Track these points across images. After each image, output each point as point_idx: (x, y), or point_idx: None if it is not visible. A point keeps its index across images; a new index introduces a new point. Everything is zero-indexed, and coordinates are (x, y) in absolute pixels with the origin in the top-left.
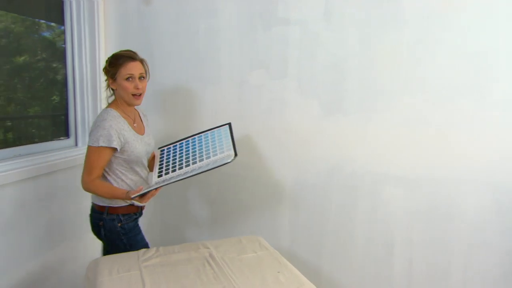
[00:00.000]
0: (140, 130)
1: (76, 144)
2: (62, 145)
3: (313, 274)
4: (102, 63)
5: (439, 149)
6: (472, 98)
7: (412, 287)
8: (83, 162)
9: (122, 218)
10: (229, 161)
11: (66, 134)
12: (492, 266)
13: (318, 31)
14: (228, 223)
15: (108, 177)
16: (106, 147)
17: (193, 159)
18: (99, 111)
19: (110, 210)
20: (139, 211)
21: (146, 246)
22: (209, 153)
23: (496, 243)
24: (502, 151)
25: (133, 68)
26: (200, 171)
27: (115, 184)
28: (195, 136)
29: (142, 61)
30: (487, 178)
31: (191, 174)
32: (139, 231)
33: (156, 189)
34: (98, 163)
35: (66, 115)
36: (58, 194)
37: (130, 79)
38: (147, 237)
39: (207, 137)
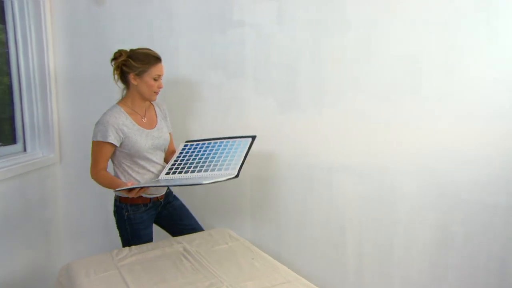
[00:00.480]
0: (149, 125)
1: (25, 150)
2: (8, 151)
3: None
4: (52, 65)
5: (381, 140)
6: (407, 94)
7: (362, 266)
8: (33, 168)
9: (129, 208)
10: (223, 179)
11: (13, 140)
12: (428, 242)
13: (272, 33)
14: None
15: (116, 170)
16: (103, 141)
17: (200, 166)
18: (50, 114)
19: (121, 199)
20: (149, 203)
21: (147, 241)
22: (216, 165)
23: (431, 222)
24: (435, 140)
25: (162, 69)
26: (198, 182)
27: (121, 177)
28: (219, 141)
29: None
30: (423, 165)
31: (191, 182)
32: (146, 227)
33: (145, 187)
34: (101, 156)
35: (13, 119)
36: (11, 202)
37: (157, 79)
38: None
39: (226, 146)
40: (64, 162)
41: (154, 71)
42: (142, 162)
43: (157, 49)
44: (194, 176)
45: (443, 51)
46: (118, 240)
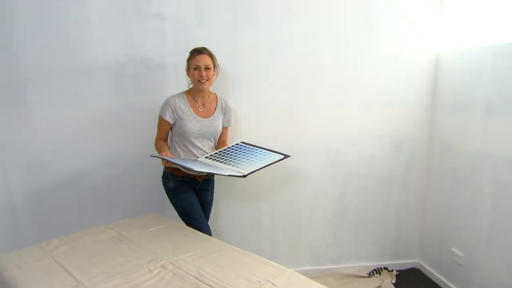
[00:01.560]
0: (204, 114)
1: None
2: None
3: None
4: None
5: (291, 124)
6: (311, 85)
7: (276, 224)
8: None
9: (169, 176)
10: (234, 174)
11: None
12: (328, 208)
13: (191, 28)
14: (116, 208)
15: (169, 143)
16: (161, 117)
17: (230, 161)
18: None
19: (165, 168)
20: (186, 177)
21: (190, 204)
22: (239, 163)
23: (331, 194)
24: (330, 124)
25: (199, 60)
26: (216, 172)
27: (171, 148)
28: (262, 150)
29: (210, 55)
30: (321, 145)
31: (210, 170)
32: (185, 191)
33: (171, 161)
34: (160, 128)
35: None
36: None
37: (197, 69)
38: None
39: (262, 154)
40: None
41: (193, 62)
42: (187, 143)
43: (71, 39)
44: (218, 166)
45: (335, 49)
46: (30, 236)
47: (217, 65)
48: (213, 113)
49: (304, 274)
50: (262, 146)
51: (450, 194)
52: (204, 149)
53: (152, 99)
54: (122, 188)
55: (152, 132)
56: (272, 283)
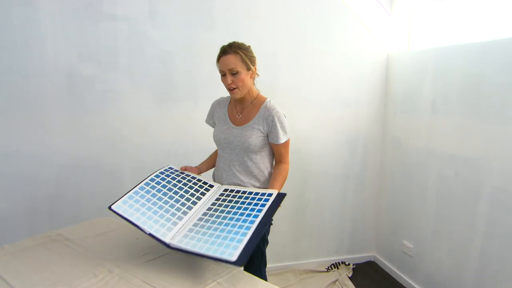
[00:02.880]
0: (240, 121)
1: None
2: None
3: None
4: None
5: None
6: (267, 85)
7: None
8: None
9: None
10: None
11: None
12: (288, 206)
13: (146, 29)
14: (72, 213)
15: None
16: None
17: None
18: None
19: None
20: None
21: None
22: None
23: (289, 190)
24: (290, 124)
25: (222, 63)
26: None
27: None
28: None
29: (238, 52)
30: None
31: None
32: None
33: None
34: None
35: None
36: None
37: (224, 75)
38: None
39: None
40: None
41: (219, 66)
42: (219, 149)
43: (17, 40)
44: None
45: (292, 50)
46: None
47: (251, 61)
48: (249, 121)
49: None
50: (239, 189)
51: (401, 189)
52: (230, 166)
53: (107, 100)
54: (76, 193)
55: (107, 133)
56: (218, 282)
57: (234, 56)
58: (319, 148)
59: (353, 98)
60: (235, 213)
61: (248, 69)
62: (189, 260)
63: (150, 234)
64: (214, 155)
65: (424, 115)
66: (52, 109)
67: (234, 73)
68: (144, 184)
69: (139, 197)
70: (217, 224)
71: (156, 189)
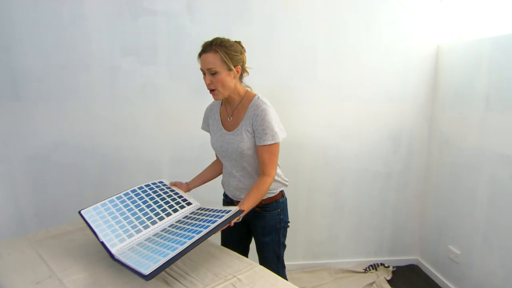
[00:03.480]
0: (231, 126)
1: None
2: None
3: None
4: None
5: (286, 119)
6: (306, 79)
7: None
8: None
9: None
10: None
11: None
12: (324, 203)
13: (183, 23)
14: None
15: None
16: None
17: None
18: None
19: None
20: (226, 198)
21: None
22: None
23: (327, 187)
24: (329, 119)
25: (202, 62)
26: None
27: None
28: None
29: (216, 51)
30: (319, 140)
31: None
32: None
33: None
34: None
35: None
36: None
37: (204, 74)
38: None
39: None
40: None
41: (200, 65)
42: (219, 157)
43: (66, 37)
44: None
45: (332, 42)
46: (31, 225)
47: (233, 60)
48: (239, 124)
49: (299, 268)
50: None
51: (449, 191)
52: (232, 172)
53: (146, 94)
54: (119, 182)
55: (146, 125)
56: (238, 278)
57: (213, 55)
58: (358, 145)
59: (397, 92)
60: (184, 229)
61: (229, 69)
62: (210, 255)
63: (101, 242)
64: (207, 170)
65: (476, 111)
66: (96, 102)
67: (213, 73)
68: (123, 194)
69: (112, 205)
70: (163, 239)
71: (132, 200)
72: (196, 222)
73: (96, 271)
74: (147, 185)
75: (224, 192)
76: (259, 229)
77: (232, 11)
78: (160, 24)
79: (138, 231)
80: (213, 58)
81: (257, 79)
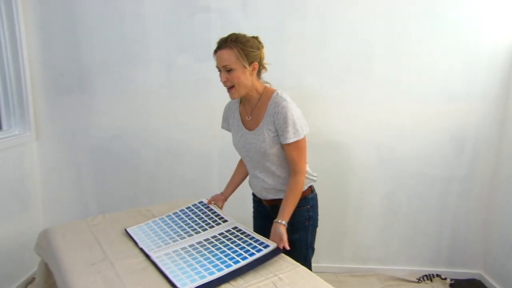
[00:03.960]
0: (252, 125)
1: (1, 128)
2: None
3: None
4: (24, 44)
5: (339, 117)
6: (361, 75)
7: (318, 234)
8: (10, 145)
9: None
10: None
11: None
12: (376, 205)
13: (237, 19)
14: (166, 191)
15: None
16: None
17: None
18: (24, 94)
19: None
20: (254, 197)
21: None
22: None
23: (379, 189)
24: (385, 117)
25: (217, 59)
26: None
27: None
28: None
29: (231, 47)
30: (374, 140)
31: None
32: (255, 217)
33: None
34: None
35: None
36: None
37: (220, 72)
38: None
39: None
40: (41, 140)
41: (216, 62)
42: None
43: (127, 34)
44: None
45: (389, 37)
46: (92, 210)
47: (249, 57)
48: (260, 123)
49: (346, 272)
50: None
51: None
52: (256, 173)
53: (198, 90)
54: (171, 173)
55: (198, 119)
56: (279, 277)
57: (228, 52)
58: (416, 146)
59: (462, 91)
60: (222, 251)
61: (245, 66)
62: None
63: (141, 248)
64: (236, 174)
65: None
66: (153, 96)
67: (229, 70)
68: (165, 216)
69: (154, 224)
70: (200, 255)
71: (172, 219)
72: (232, 245)
73: (145, 258)
74: (187, 207)
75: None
76: (287, 226)
77: (285, 6)
78: (215, 20)
79: (174, 240)
80: (228, 55)
81: (309, 76)
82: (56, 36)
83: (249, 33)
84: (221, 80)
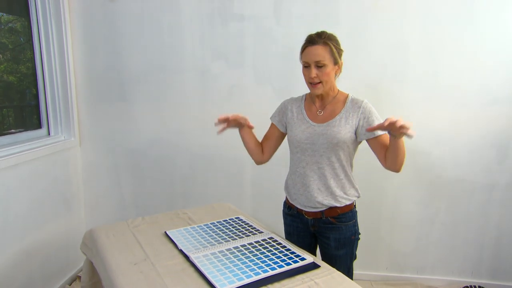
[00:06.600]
0: (322, 119)
1: (49, 134)
2: (35, 135)
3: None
4: (71, 56)
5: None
6: (396, 80)
7: None
8: (56, 150)
9: (284, 203)
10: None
11: (39, 125)
12: (413, 213)
13: (270, 26)
14: (200, 195)
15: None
16: (271, 118)
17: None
18: (69, 103)
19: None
20: (292, 209)
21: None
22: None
23: (415, 196)
24: (421, 122)
25: (308, 54)
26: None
27: (290, 162)
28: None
29: (326, 43)
30: (409, 145)
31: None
32: (291, 233)
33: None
34: (266, 133)
35: (38, 106)
36: (39, 179)
37: (307, 67)
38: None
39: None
40: (84, 145)
41: (302, 57)
42: (293, 156)
43: (165, 42)
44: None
45: (425, 40)
46: (130, 211)
47: (335, 55)
48: (335, 116)
49: (381, 280)
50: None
51: None
52: (313, 169)
53: (232, 96)
54: (204, 178)
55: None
56: (315, 282)
57: (323, 48)
58: (455, 152)
59: (506, 92)
60: (258, 258)
61: (335, 63)
62: None
63: (180, 250)
64: (257, 141)
65: None
66: (188, 102)
67: (320, 66)
68: (203, 224)
69: (192, 229)
70: (237, 259)
71: (210, 228)
72: (268, 253)
73: (184, 260)
74: (224, 220)
75: (285, 201)
76: (333, 242)
77: (318, 12)
78: (248, 28)
79: (212, 244)
80: (322, 51)
81: (343, 81)
82: (99, 48)
83: (281, 39)
84: (308, 76)
